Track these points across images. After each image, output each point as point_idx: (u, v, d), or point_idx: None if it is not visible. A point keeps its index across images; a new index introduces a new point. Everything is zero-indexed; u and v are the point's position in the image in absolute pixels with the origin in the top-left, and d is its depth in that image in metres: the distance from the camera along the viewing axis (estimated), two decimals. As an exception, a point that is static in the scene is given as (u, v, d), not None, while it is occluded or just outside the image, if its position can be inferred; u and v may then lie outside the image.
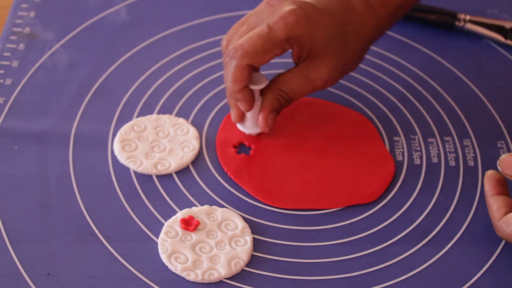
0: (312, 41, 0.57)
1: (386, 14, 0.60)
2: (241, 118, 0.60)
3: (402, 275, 0.55)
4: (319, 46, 0.57)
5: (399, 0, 0.60)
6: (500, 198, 0.55)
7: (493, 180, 0.56)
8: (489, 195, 0.56)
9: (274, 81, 0.59)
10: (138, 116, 0.63)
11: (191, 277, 0.53)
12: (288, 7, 0.56)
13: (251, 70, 0.57)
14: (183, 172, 0.60)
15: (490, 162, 0.62)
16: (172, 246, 0.55)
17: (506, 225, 0.54)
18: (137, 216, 0.57)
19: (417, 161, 0.62)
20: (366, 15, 0.59)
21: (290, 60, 0.60)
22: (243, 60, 0.56)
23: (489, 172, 0.56)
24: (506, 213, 0.54)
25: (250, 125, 0.61)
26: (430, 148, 0.63)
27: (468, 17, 0.71)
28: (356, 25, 0.58)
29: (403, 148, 0.63)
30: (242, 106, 0.58)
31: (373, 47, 0.70)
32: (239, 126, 0.61)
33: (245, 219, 0.57)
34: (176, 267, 0.54)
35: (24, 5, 0.71)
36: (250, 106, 0.58)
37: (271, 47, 0.56)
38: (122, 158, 0.60)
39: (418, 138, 0.64)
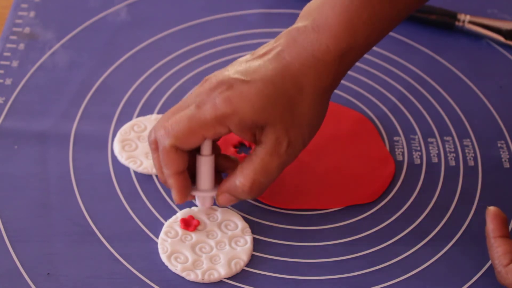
0: (248, 116, 0.51)
1: (331, 60, 0.53)
2: (186, 195, 0.54)
3: (402, 275, 0.55)
4: (260, 117, 0.51)
5: (343, 43, 0.53)
6: (506, 242, 0.52)
7: (499, 219, 0.53)
8: (494, 236, 0.52)
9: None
10: (138, 116, 0.63)
11: (191, 277, 0.53)
12: (217, 89, 0.52)
13: (181, 153, 0.52)
14: (183, 172, 0.60)
15: (490, 162, 0.62)
16: (172, 246, 0.55)
17: None
18: (137, 216, 0.57)
19: (417, 161, 0.62)
20: (305, 71, 0.53)
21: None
22: (166, 141, 0.51)
23: (493, 210, 0.53)
24: None
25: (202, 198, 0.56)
26: (430, 148, 0.63)
27: (468, 17, 0.71)
28: (296, 84, 0.52)
29: (403, 148, 0.63)
30: (173, 194, 0.54)
31: (373, 47, 0.70)
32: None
33: (245, 219, 0.57)
34: (176, 267, 0.54)
35: (24, 5, 0.71)
36: (182, 198, 0.53)
37: (198, 128, 0.51)
38: (122, 158, 0.60)
39: (418, 138, 0.64)
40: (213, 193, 0.55)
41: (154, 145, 0.53)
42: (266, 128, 0.52)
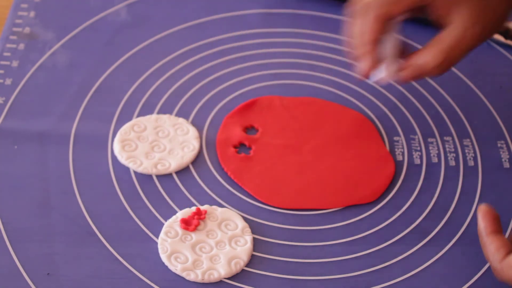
0: None
1: None
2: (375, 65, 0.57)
3: (402, 275, 0.55)
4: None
5: None
6: (498, 238, 0.52)
7: (490, 216, 0.53)
8: (485, 234, 0.52)
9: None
10: (138, 116, 0.63)
11: (191, 277, 0.53)
12: None
13: (383, 23, 0.56)
14: (183, 172, 0.60)
15: (490, 162, 0.62)
16: (172, 246, 0.55)
17: (509, 268, 0.50)
18: (137, 216, 0.57)
19: (417, 161, 0.62)
20: None
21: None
22: (378, 10, 0.55)
23: (484, 208, 0.53)
24: (507, 254, 0.51)
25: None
26: (430, 148, 0.63)
27: (468, 17, 0.71)
28: None
29: (403, 148, 0.63)
30: (364, 64, 0.57)
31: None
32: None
33: (245, 219, 0.57)
34: (176, 267, 0.54)
35: (24, 5, 0.71)
36: (373, 65, 0.57)
37: None
38: (122, 158, 0.60)
39: (418, 138, 0.64)
40: (397, 64, 0.57)
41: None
42: (460, 9, 0.54)
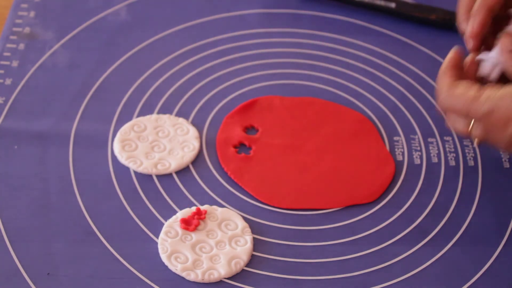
0: None
1: None
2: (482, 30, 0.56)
3: (402, 275, 0.55)
4: None
5: None
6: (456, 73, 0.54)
7: (457, 61, 0.55)
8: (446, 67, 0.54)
9: None
10: (138, 116, 0.63)
11: (191, 277, 0.53)
12: None
13: None
14: (183, 172, 0.60)
15: (490, 162, 0.62)
16: (172, 246, 0.55)
17: (456, 95, 0.52)
18: (137, 216, 0.57)
19: (417, 161, 0.62)
20: None
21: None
22: None
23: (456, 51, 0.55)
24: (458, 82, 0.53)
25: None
26: (430, 148, 0.63)
27: (468, 17, 0.71)
28: None
29: (403, 148, 0.63)
30: (469, 29, 0.55)
31: (373, 47, 0.70)
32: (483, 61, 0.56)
33: (245, 219, 0.57)
34: (176, 267, 0.54)
35: (24, 5, 0.71)
36: (478, 32, 0.55)
37: None
38: (122, 158, 0.60)
39: (418, 138, 0.64)
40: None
41: None
42: None
